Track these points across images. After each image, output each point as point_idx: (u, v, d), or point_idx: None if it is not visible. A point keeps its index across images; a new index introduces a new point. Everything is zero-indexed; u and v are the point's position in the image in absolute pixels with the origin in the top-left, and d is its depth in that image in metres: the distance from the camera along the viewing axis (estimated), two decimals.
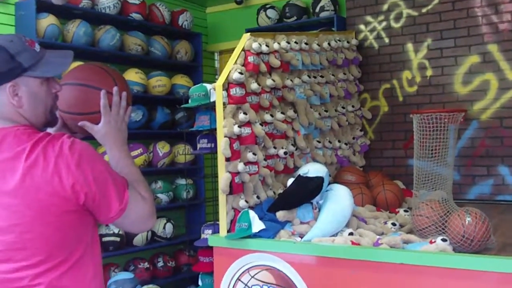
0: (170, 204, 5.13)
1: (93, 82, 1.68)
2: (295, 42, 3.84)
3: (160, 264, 4.99)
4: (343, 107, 4.54)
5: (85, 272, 1.52)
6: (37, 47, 1.55)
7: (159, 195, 4.97)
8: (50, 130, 1.68)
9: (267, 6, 5.40)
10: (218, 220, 3.31)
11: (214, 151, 3.50)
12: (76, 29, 4.37)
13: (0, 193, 1.39)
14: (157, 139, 5.10)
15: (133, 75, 4.80)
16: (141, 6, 4.92)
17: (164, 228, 4.96)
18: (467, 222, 2.84)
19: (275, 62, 3.59)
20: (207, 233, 3.69)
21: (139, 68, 4.93)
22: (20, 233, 1.40)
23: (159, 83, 5.03)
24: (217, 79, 6.06)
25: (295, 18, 5.27)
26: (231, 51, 6.03)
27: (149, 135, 5.14)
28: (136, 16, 4.93)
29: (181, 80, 5.30)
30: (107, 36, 4.62)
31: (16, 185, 1.38)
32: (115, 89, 1.68)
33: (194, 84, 5.12)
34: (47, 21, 4.20)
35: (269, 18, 5.38)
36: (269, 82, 3.53)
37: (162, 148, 4.99)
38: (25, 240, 1.40)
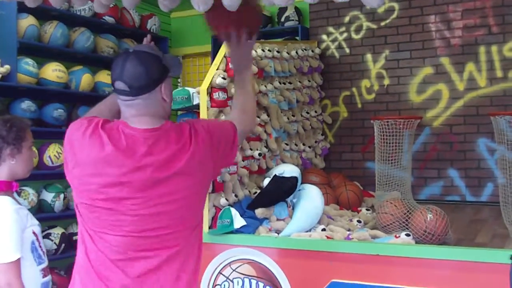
0: None
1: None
2: (269, 50, 4.04)
3: None
4: (307, 112, 4.78)
5: (201, 230, 1.91)
6: None
7: None
8: None
9: None
10: None
11: None
12: (54, 30, 4.42)
13: (171, 174, 1.72)
14: None
15: (105, 77, 4.88)
16: (113, 10, 5.02)
17: None
18: (428, 218, 3.13)
19: (253, 68, 3.74)
20: None
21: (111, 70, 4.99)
22: (182, 206, 1.76)
23: None
24: (179, 82, 6.22)
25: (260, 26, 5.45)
26: (194, 55, 6.20)
27: None
28: (109, 19, 5.02)
29: None
30: (82, 38, 4.70)
31: (183, 167, 1.73)
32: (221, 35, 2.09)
33: None
34: (27, 22, 4.23)
35: None
36: None
37: None
38: (183, 209, 1.76)
